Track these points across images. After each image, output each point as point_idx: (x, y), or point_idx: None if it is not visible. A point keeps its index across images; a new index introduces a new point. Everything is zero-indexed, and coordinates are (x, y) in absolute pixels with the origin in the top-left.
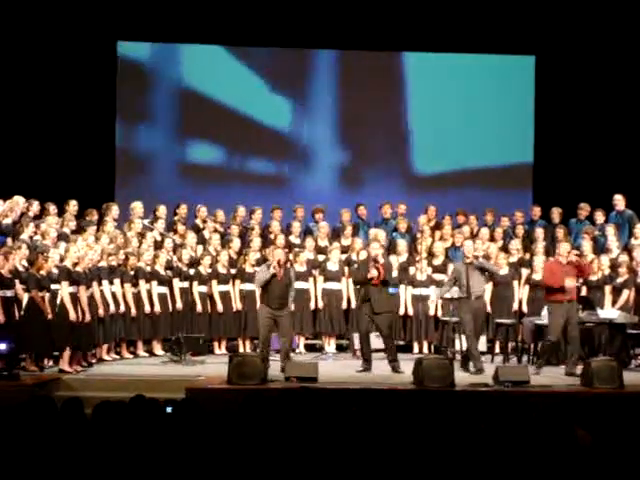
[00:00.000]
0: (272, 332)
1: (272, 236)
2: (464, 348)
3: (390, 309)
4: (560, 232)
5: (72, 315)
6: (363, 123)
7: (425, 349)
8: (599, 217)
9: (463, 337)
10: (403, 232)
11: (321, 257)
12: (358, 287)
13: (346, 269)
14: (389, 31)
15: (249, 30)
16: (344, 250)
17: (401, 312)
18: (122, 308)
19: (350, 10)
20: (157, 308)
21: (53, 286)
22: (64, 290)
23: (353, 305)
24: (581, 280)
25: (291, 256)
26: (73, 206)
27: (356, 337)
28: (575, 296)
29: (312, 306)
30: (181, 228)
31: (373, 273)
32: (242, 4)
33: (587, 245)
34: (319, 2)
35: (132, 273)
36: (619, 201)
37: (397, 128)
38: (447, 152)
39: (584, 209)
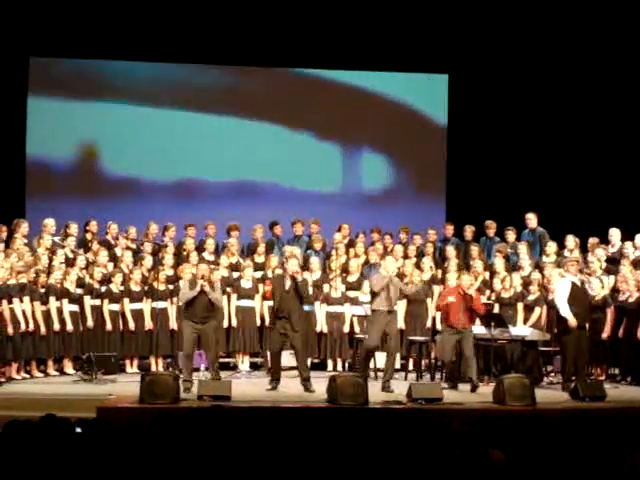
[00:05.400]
0: (195, 349)
1: (186, 254)
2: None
3: (306, 327)
4: (475, 250)
5: None
6: None
7: (339, 367)
8: (510, 235)
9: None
10: (318, 250)
11: (235, 274)
12: (273, 304)
13: (260, 286)
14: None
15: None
16: (258, 267)
17: (317, 329)
18: (31, 326)
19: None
20: (69, 326)
21: None
22: None
23: (267, 323)
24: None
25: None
26: None
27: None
28: (468, 324)
29: (226, 324)
30: (96, 246)
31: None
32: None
33: (500, 263)
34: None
35: (42, 291)
36: (531, 219)
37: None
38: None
39: (491, 226)
